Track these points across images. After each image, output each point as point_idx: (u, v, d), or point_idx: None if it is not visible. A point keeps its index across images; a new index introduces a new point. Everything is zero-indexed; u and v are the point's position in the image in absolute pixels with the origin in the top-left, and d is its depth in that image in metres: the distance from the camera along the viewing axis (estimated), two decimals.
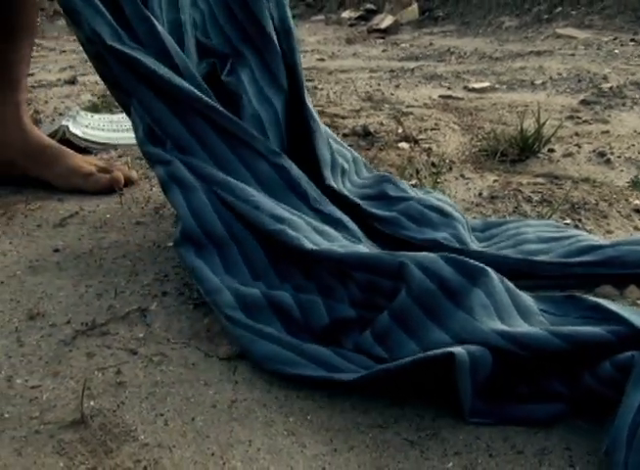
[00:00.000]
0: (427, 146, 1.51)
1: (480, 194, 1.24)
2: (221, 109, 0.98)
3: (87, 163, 1.35)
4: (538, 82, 2.34)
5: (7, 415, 0.69)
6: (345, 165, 1.11)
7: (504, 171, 1.39)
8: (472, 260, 0.79)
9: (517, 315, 0.77)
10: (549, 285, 0.92)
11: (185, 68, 1.00)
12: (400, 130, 1.64)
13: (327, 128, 1.14)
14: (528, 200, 1.20)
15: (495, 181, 1.28)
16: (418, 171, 1.32)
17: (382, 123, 1.75)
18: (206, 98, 0.98)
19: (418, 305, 0.75)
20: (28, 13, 1.27)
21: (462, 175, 1.32)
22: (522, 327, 0.75)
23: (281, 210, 0.93)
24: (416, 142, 1.51)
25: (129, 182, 1.33)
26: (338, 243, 0.91)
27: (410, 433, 0.67)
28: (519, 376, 0.72)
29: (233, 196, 0.93)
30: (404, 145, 1.48)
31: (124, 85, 1.00)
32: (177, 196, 0.93)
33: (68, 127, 1.64)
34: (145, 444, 0.65)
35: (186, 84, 0.97)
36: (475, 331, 0.72)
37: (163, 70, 0.97)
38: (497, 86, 2.32)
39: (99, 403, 0.70)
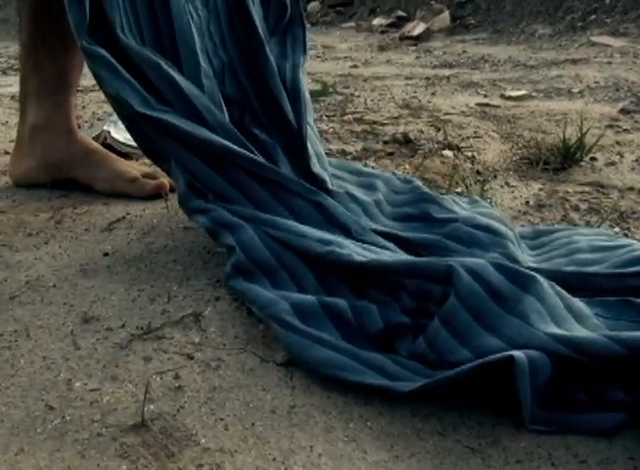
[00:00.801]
0: (470, 154, 1.51)
1: (527, 202, 1.23)
2: (256, 158, 1.01)
3: (132, 168, 1.36)
4: (575, 90, 2.33)
5: (69, 417, 0.69)
6: (380, 196, 1.11)
7: (548, 180, 1.38)
8: (521, 268, 0.78)
9: (572, 319, 0.77)
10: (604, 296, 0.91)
11: (215, 122, 1.02)
12: (442, 138, 1.64)
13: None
14: (576, 208, 1.19)
15: (541, 190, 1.28)
16: (463, 179, 1.32)
17: (421, 131, 1.75)
18: (242, 150, 1.00)
19: (466, 308, 0.76)
20: None
21: (507, 183, 1.32)
22: (579, 332, 0.74)
23: (327, 234, 0.95)
24: (459, 150, 1.50)
25: (173, 188, 1.33)
26: (386, 254, 0.91)
27: (470, 440, 0.67)
28: (578, 383, 0.72)
29: (280, 230, 0.95)
30: (448, 153, 1.48)
31: (161, 148, 1.03)
32: (226, 237, 0.96)
33: (109, 132, 1.65)
34: (206, 448, 0.65)
35: (220, 140, 1.00)
36: (530, 336, 0.72)
37: (198, 130, 1.00)
38: (534, 94, 2.31)
39: (159, 407, 0.71)
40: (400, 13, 5.71)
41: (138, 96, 1.01)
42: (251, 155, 1.01)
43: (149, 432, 0.67)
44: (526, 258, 0.99)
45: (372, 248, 0.95)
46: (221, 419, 0.69)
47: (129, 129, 1.08)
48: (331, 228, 0.99)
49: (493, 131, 1.81)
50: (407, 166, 1.37)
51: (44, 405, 0.71)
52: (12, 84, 2.99)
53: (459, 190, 1.27)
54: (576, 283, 0.90)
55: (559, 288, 0.80)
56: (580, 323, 0.77)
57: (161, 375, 0.76)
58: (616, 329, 0.76)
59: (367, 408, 0.71)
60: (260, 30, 1.13)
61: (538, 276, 0.78)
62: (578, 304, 0.80)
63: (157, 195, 1.30)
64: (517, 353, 0.68)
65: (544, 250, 1.01)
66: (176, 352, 0.80)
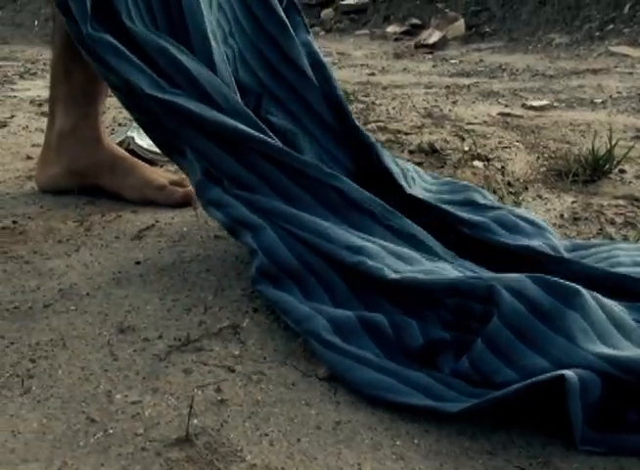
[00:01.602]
0: (499, 165, 1.50)
1: (562, 215, 1.22)
2: (273, 141, 0.99)
3: (160, 175, 1.35)
4: (598, 101, 2.31)
5: (111, 431, 0.69)
6: (414, 174, 1.12)
7: (578, 192, 1.37)
8: (562, 280, 0.77)
9: (617, 333, 0.76)
10: None
11: (228, 106, 1.01)
12: (467, 148, 1.63)
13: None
14: (612, 222, 1.18)
15: (574, 202, 1.27)
16: (495, 191, 1.31)
17: (446, 140, 1.74)
18: (258, 134, 0.98)
19: (509, 328, 0.74)
20: None
21: (539, 196, 1.31)
22: (627, 349, 0.73)
23: (355, 238, 0.92)
24: (488, 161, 1.49)
25: None
26: (419, 267, 0.89)
27: (521, 460, 0.66)
28: (629, 403, 0.70)
29: (304, 231, 0.92)
30: (478, 164, 1.47)
31: (175, 135, 1.01)
32: (247, 237, 0.94)
33: (133, 138, 1.65)
34: (253, 464, 0.64)
35: (234, 122, 0.98)
36: (578, 357, 0.71)
37: (210, 113, 0.98)
38: (556, 104, 2.30)
39: (202, 422, 0.70)
40: (414, 20, 5.71)
41: (147, 78, 1.00)
42: (268, 139, 0.98)
43: (193, 447, 0.66)
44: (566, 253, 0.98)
45: (403, 250, 0.92)
46: (266, 435, 0.68)
47: (144, 125, 1.06)
48: (356, 214, 0.97)
49: (518, 142, 1.80)
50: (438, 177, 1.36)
51: (85, 418, 0.70)
52: (30, 88, 2.99)
53: None
54: (620, 285, 0.89)
55: (600, 297, 0.78)
56: (625, 337, 0.76)
57: (203, 388, 0.75)
58: None
59: (413, 425, 0.70)
60: (281, 11, 1.13)
61: (580, 288, 0.77)
62: (620, 314, 0.78)
63: (185, 203, 1.29)
64: (568, 373, 0.67)
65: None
66: (216, 365, 0.79)
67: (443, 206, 1.04)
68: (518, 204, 1.22)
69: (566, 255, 0.97)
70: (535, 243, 0.97)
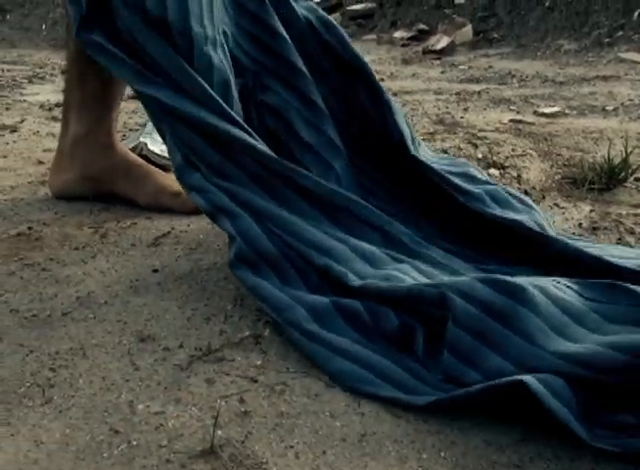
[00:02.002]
0: (515, 173, 1.49)
1: (580, 224, 1.22)
2: (259, 147, 0.99)
3: (174, 182, 1.35)
4: (610, 108, 2.30)
5: (135, 442, 0.68)
6: (419, 141, 1.15)
7: (595, 200, 1.36)
8: (508, 278, 0.79)
9: (571, 323, 0.78)
10: None
11: (208, 100, 1.01)
12: (481, 156, 1.63)
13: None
14: (631, 232, 1.17)
15: (592, 211, 1.26)
16: None
17: (459, 147, 1.73)
18: (240, 133, 0.99)
19: (467, 331, 0.76)
20: None
21: (556, 204, 1.30)
22: (583, 338, 0.75)
23: (325, 237, 0.94)
24: (503, 168, 1.49)
25: None
26: (382, 270, 0.91)
27: None
28: (622, 405, 0.70)
29: (277, 227, 0.94)
30: (494, 172, 1.46)
31: (158, 124, 1.04)
32: (225, 223, 0.95)
33: (146, 144, 1.64)
34: None
35: (216, 121, 0.99)
36: (538, 358, 0.73)
37: (189, 108, 0.99)
38: (567, 111, 2.29)
39: (226, 433, 0.69)
40: (422, 26, 5.70)
41: (131, 72, 1.03)
42: (250, 140, 0.99)
43: (218, 459, 0.66)
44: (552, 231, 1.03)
45: (370, 249, 0.95)
46: (291, 447, 0.68)
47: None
48: (332, 210, 0.99)
49: (531, 149, 1.79)
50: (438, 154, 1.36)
51: (108, 429, 0.70)
52: (39, 93, 2.99)
53: None
54: (601, 268, 0.93)
55: (549, 289, 0.80)
56: (580, 324, 0.78)
57: (226, 399, 0.74)
58: (613, 315, 0.78)
59: (439, 437, 0.70)
60: None
61: (526, 285, 0.78)
62: (571, 301, 0.80)
63: (200, 210, 1.28)
64: (527, 378, 0.69)
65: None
66: (239, 376, 0.78)
67: (442, 172, 1.06)
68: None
69: (551, 233, 1.02)
70: (523, 217, 1.02)
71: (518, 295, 0.77)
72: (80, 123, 1.32)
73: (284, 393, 0.75)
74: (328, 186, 1.00)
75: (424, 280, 0.88)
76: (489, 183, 1.10)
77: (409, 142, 1.10)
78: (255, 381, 0.77)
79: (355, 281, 0.88)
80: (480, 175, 1.12)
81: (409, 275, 0.88)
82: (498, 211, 1.03)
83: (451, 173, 1.09)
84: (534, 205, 1.09)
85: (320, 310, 0.85)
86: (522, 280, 0.80)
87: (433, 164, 1.09)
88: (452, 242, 1.05)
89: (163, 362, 0.81)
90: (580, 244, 1.02)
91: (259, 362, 0.81)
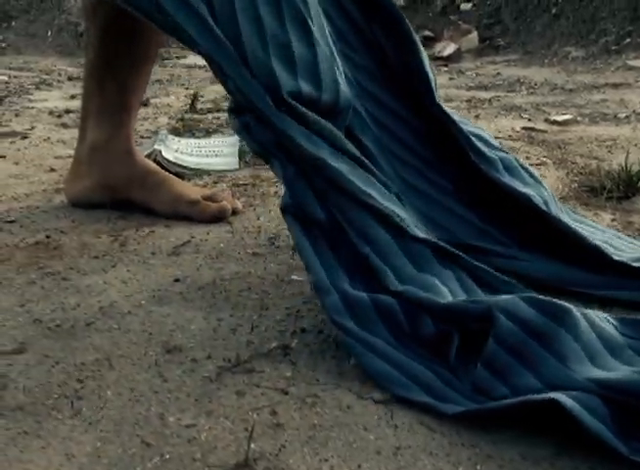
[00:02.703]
0: None
1: None
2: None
3: (192, 190, 1.34)
4: (622, 116, 2.30)
5: (167, 456, 0.67)
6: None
7: (614, 209, 1.35)
8: (554, 300, 0.78)
9: (607, 354, 0.77)
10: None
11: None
12: None
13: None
14: None
15: (614, 220, 1.25)
16: None
17: None
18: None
19: (505, 349, 0.76)
20: (151, 44, 1.28)
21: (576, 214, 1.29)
22: (615, 369, 0.74)
23: (368, 224, 0.90)
24: None
25: (235, 211, 1.32)
26: (423, 276, 0.88)
27: None
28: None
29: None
30: None
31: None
32: (277, 168, 0.93)
33: (160, 152, 1.64)
34: None
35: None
36: (568, 379, 0.72)
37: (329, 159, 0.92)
38: (579, 119, 2.29)
39: (260, 446, 0.68)
40: (427, 33, 5.70)
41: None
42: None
43: None
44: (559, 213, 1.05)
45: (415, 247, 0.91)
46: (326, 460, 0.67)
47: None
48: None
49: (545, 157, 1.79)
50: None
51: (140, 442, 0.69)
52: (47, 99, 2.99)
53: None
54: (598, 257, 0.98)
55: (590, 315, 0.79)
56: (616, 357, 0.77)
57: (258, 411, 0.73)
58: None
59: (475, 451, 0.69)
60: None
61: (571, 308, 0.78)
62: (610, 332, 0.80)
63: (218, 218, 1.28)
64: (558, 395, 0.68)
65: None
66: (269, 387, 0.77)
67: (462, 127, 1.05)
68: None
69: (554, 212, 1.02)
70: (530, 192, 1.02)
71: (561, 317, 0.77)
72: (99, 130, 1.32)
73: (315, 405, 0.75)
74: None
75: (461, 293, 0.87)
76: (502, 150, 1.10)
77: (436, 91, 1.07)
78: (286, 393, 0.76)
79: (397, 286, 0.85)
80: (493, 141, 1.11)
81: (448, 286, 0.87)
82: (507, 179, 1.03)
83: (469, 132, 1.07)
84: (541, 179, 1.10)
85: (355, 305, 0.84)
86: (567, 304, 0.79)
87: (454, 117, 1.07)
88: (465, 204, 1.05)
89: (192, 374, 0.80)
90: (585, 228, 1.05)
91: (289, 374, 0.80)
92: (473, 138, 1.06)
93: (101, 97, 1.30)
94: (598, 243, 1.01)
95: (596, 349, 0.77)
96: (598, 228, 1.15)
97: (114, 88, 1.29)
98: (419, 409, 0.74)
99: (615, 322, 0.82)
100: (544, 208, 1.02)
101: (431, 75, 1.08)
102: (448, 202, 1.05)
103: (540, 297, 0.79)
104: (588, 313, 0.80)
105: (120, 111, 1.31)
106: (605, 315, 0.83)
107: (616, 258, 0.99)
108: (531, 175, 1.08)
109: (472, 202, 1.06)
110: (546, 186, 1.09)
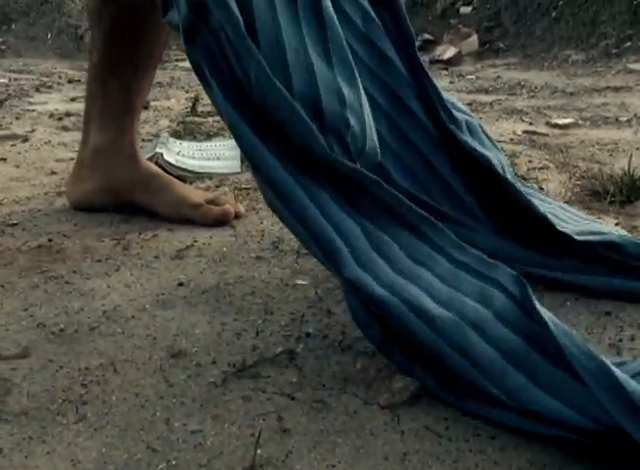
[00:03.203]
0: (536, 186, 1.48)
1: None
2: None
3: (195, 193, 1.34)
4: (623, 119, 2.30)
5: (174, 462, 0.67)
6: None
7: (617, 213, 1.35)
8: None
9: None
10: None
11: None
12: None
13: None
14: None
15: (617, 224, 1.25)
16: None
17: None
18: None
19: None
20: (154, 47, 1.27)
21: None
22: None
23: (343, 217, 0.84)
24: (524, 180, 1.48)
25: (238, 215, 1.31)
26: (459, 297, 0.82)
27: None
28: None
29: None
30: None
31: None
32: None
33: (162, 155, 1.64)
34: None
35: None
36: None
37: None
38: (581, 122, 2.29)
39: (266, 452, 0.68)
40: (427, 36, 5.70)
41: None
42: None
43: None
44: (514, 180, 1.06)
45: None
46: (333, 466, 0.67)
47: None
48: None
49: (547, 161, 1.79)
50: None
51: (145, 447, 0.69)
52: (47, 102, 2.99)
53: None
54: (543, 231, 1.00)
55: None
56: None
57: (264, 417, 0.73)
58: None
59: (482, 457, 0.68)
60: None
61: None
62: None
63: (221, 222, 1.27)
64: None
65: None
66: (275, 393, 0.77)
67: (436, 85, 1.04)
68: None
69: (510, 178, 1.03)
70: (490, 155, 1.02)
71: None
72: (102, 133, 1.32)
73: (322, 410, 0.74)
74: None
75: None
76: (467, 114, 1.09)
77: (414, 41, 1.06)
78: (293, 398, 0.76)
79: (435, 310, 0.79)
80: (459, 104, 1.10)
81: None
82: (469, 140, 1.03)
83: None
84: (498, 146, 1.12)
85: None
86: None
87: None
88: (437, 164, 1.04)
89: (197, 379, 0.80)
90: (536, 197, 1.09)
91: (295, 379, 0.79)
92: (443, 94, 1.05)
93: (104, 100, 1.30)
94: (546, 213, 1.01)
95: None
96: (546, 200, 1.17)
97: (117, 91, 1.28)
98: (425, 415, 0.73)
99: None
100: (501, 172, 1.02)
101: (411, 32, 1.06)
102: (425, 159, 1.03)
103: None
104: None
105: (124, 114, 1.31)
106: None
107: (560, 229, 1.00)
108: (491, 140, 1.09)
109: (443, 162, 1.04)
110: (502, 153, 1.10)
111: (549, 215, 1.02)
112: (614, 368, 0.67)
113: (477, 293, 0.80)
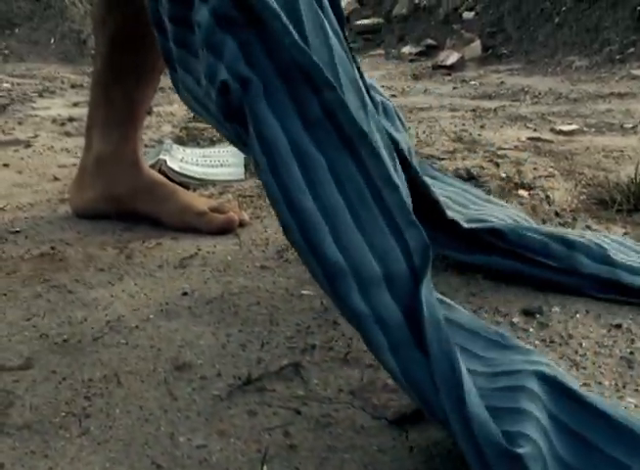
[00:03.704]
0: (543, 194, 1.47)
1: None
2: None
3: (199, 201, 1.33)
4: (628, 126, 2.29)
5: None
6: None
7: (625, 222, 1.34)
8: None
9: None
10: None
11: None
12: (504, 175, 1.61)
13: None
14: None
15: (626, 234, 1.24)
16: (544, 221, 1.28)
17: (482, 166, 1.71)
18: None
19: None
20: (159, 55, 1.26)
21: (587, 226, 1.28)
22: None
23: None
24: (530, 189, 1.47)
25: (242, 223, 1.30)
26: None
27: None
28: None
29: None
30: (523, 193, 1.44)
31: None
32: None
33: (165, 161, 1.63)
34: None
35: None
36: None
37: None
38: (585, 129, 2.28)
39: (273, 468, 0.67)
40: (430, 41, 5.70)
41: None
42: None
43: None
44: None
45: None
46: None
47: None
48: None
49: (552, 168, 1.77)
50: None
51: (150, 463, 0.68)
52: (50, 107, 2.98)
53: None
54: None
55: None
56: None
57: (270, 432, 0.72)
58: None
59: None
60: None
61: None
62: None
63: (226, 230, 1.26)
64: None
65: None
66: (281, 407, 0.76)
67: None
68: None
69: (414, 162, 1.03)
70: (399, 138, 1.00)
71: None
72: (105, 141, 1.31)
73: (329, 425, 0.73)
74: None
75: None
76: (384, 96, 1.10)
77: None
78: (299, 412, 0.75)
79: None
80: (377, 85, 1.09)
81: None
82: (384, 121, 1.00)
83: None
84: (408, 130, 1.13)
85: None
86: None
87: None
88: None
89: (202, 392, 0.79)
90: (442, 180, 1.12)
91: (301, 393, 0.78)
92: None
93: (108, 107, 1.29)
94: (440, 198, 1.03)
95: None
96: (453, 184, 1.21)
97: (120, 98, 1.27)
98: (435, 430, 0.72)
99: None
100: (407, 155, 1.00)
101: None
102: None
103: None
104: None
105: (127, 121, 1.30)
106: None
107: (449, 216, 1.02)
108: (403, 124, 1.10)
109: None
110: (411, 138, 1.12)
111: (442, 200, 1.04)
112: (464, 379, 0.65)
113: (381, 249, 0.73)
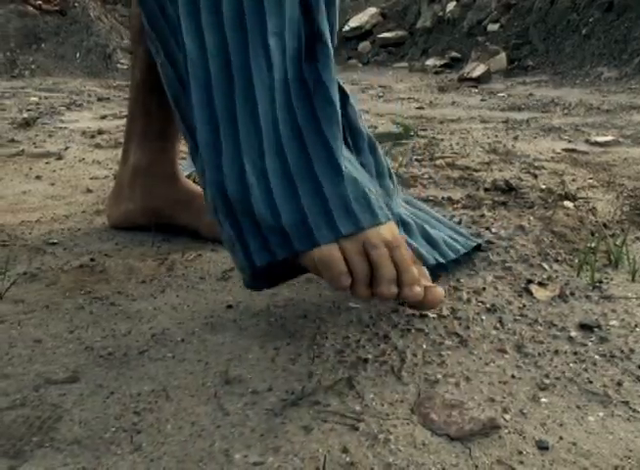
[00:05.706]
0: (588, 205, 1.45)
1: None
2: None
3: None
4: None
5: None
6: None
7: None
8: None
9: None
10: None
11: None
12: (543, 186, 1.58)
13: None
14: None
15: None
16: (593, 233, 1.26)
17: (520, 178, 1.69)
18: None
19: None
20: None
21: (638, 238, 1.25)
22: None
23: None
24: (575, 200, 1.44)
25: None
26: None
27: None
28: None
29: None
30: (569, 204, 1.42)
31: None
32: None
33: None
34: None
35: None
36: None
37: None
38: (621, 140, 2.25)
39: None
40: (454, 54, 5.69)
41: None
42: None
43: None
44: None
45: None
46: None
47: None
48: None
49: (591, 179, 1.75)
50: (531, 218, 1.31)
51: None
52: (78, 120, 2.99)
53: (593, 244, 1.20)
54: None
55: None
56: None
57: (328, 448, 0.69)
58: None
59: None
60: None
61: None
62: None
63: None
64: None
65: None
66: (337, 422, 0.74)
67: None
68: (619, 248, 1.16)
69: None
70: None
71: None
72: (142, 153, 1.29)
73: (388, 442, 0.71)
74: None
75: None
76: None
77: None
78: (356, 428, 0.72)
79: None
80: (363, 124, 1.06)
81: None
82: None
83: None
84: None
85: None
86: None
87: None
88: None
89: (254, 407, 0.77)
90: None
91: (358, 408, 0.76)
92: None
93: (145, 123, 1.28)
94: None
95: None
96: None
97: (159, 116, 1.26)
98: (499, 447, 0.70)
99: None
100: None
101: None
102: None
103: None
104: None
105: (164, 134, 1.28)
106: None
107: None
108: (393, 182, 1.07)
109: None
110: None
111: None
112: None
113: None
